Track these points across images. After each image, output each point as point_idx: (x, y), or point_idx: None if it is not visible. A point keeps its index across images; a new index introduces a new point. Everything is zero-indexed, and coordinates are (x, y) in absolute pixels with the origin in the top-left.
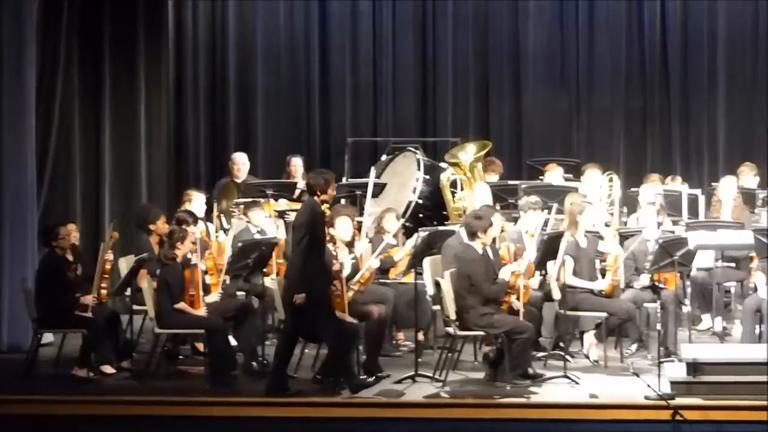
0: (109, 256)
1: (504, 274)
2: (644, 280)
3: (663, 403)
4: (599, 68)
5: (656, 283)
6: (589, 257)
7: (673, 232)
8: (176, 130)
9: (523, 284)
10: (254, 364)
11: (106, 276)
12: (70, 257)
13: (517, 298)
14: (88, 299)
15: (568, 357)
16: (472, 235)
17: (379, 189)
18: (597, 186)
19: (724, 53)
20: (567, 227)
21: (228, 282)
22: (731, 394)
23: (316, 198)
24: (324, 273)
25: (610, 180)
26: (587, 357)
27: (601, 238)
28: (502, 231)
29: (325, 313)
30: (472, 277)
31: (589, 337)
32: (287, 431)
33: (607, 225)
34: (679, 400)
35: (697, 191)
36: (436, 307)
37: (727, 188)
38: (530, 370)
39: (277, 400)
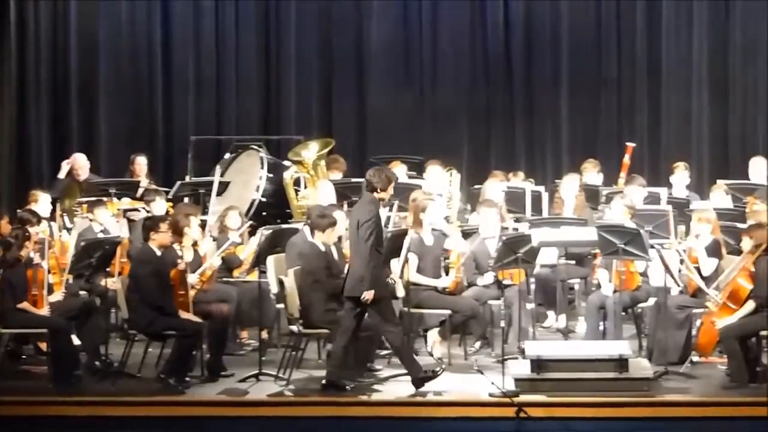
0: None
1: None
2: (488, 278)
3: (507, 400)
4: (443, 67)
5: (502, 281)
6: (433, 255)
7: (516, 229)
8: (19, 129)
9: None
10: (97, 363)
11: None
12: None
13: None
14: None
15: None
16: (315, 232)
17: (222, 187)
18: (440, 182)
19: (568, 52)
20: (411, 224)
21: (71, 281)
22: (575, 390)
23: (375, 194)
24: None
25: (450, 175)
26: (431, 354)
27: (446, 235)
28: (347, 229)
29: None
30: (315, 274)
31: (433, 335)
32: (129, 430)
33: (446, 221)
34: (523, 397)
35: (541, 188)
36: (280, 306)
37: (568, 186)
38: (374, 367)
39: (119, 399)
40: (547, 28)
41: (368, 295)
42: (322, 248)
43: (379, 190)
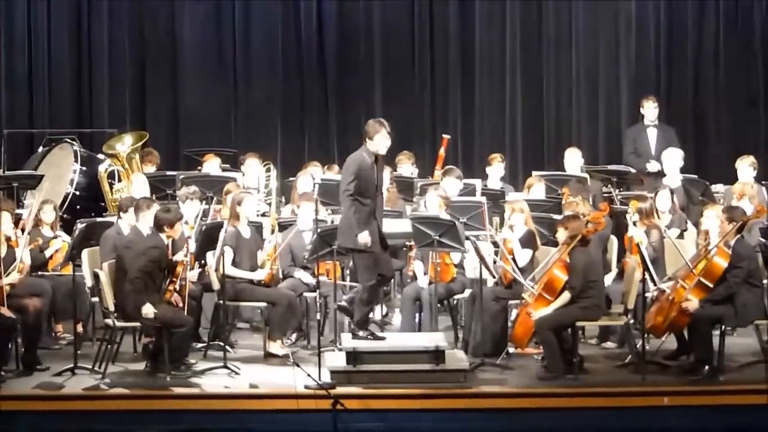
0: None
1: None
2: (306, 276)
3: (323, 392)
4: (256, 62)
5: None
6: (249, 247)
7: (332, 221)
8: None
9: (183, 276)
10: None
11: None
12: None
13: (177, 290)
14: None
15: (227, 347)
16: (161, 228)
17: (36, 181)
18: (257, 175)
19: (381, 47)
20: (228, 217)
21: None
22: (391, 382)
23: (367, 143)
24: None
25: (268, 170)
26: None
27: (261, 228)
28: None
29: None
30: (152, 273)
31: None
32: None
33: (265, 215)
34: (340, 390)
35: None
36: (95, 299)
37: None
38: (189, 360)
39: None
40: (361, 24)
41: (362, 239)
42: (166, 243)
43: (367, 139)
